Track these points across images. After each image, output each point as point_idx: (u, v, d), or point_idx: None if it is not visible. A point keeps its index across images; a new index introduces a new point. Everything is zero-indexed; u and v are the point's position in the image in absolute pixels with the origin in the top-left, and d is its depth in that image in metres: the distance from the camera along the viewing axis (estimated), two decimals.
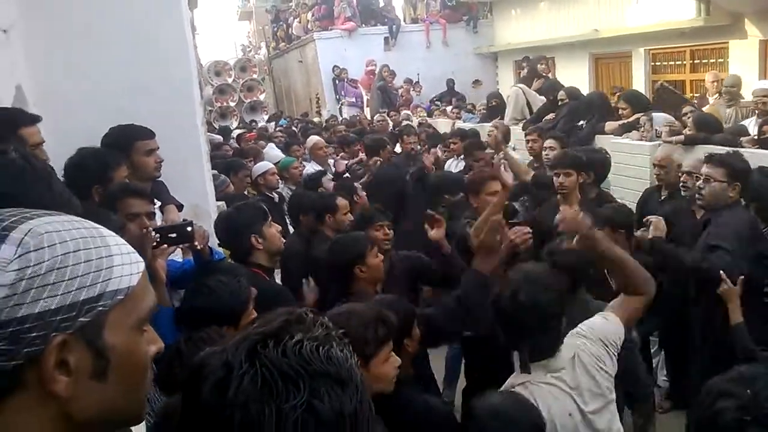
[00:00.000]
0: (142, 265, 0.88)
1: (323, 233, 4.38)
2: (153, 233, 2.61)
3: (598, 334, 2.41)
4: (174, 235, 2.72)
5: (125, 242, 0.88)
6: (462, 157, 7.03)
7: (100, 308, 0.80)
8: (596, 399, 2.34)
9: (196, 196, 3.88)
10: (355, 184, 5.83)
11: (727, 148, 5.30)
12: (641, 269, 2.57)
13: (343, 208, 4.47)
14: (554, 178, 4.62)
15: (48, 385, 0.78)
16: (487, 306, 2.52)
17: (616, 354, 2.42)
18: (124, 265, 0.84)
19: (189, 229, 2.75)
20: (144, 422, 1.10)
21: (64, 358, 0.78)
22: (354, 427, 0.82)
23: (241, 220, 3.14)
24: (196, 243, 2.83)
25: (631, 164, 6.38)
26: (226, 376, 0.81)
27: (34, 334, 0.75)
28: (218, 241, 3.32)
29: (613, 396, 2.41)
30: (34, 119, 2.60)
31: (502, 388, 2.35)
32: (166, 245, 2.69)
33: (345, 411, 0.81)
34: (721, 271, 3.50)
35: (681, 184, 4.59)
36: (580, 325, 2.46)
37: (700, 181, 3.89)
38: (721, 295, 3.53)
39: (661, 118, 6.55)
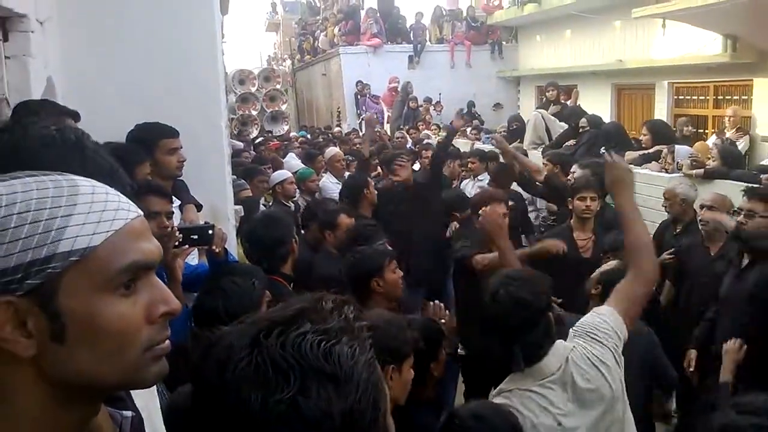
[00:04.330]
0: (118, 223, 0.85)
1: (326, 248, 4.26)
2: (177, 233, 2.63)
3: (590, 330, 2.34)
4: (196, 236, 2.75)
5: (109, 199, 0.86)
6: (479, 177, 7.08)
7: (49, 270, 0.79)
8: (595, 403, 2.27)
9: (216, 197, 3.91)
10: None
11: (747, 184, 5.29)
12: (649, 239, 2.60)
13: (345, 226, 4.25)
14: (577, 202, 4.56)
15: (4, 344, 0.79)
16: None
17: (618, 347, 2.33)
18: (86, 224, 0.82)
19: (210, 231, 2.78)
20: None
21: (23, 319, 0.79)
22: (349, 426, 0.79)
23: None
24: (215, 246, 2.85)
25: (648, 195, 6.36)
26: (227, 358, 0.81)
27: None
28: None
29: (621, 393, 2.32)
30: (74, 115, 2.66)
31: (492, 393, 2.33)
32: (187, 245, 2.72)
33: (334, 410, 0.78)
34: None
35: (700, 219, 4.57)
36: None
37: (741, 216, 3.90)
38: None
39: (684, 150, 6.54)
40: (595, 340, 2.31)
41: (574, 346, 2.31)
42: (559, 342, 2.32)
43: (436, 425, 2.53)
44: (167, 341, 0.90)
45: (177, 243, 2.65)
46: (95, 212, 0.83)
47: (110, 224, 0.84)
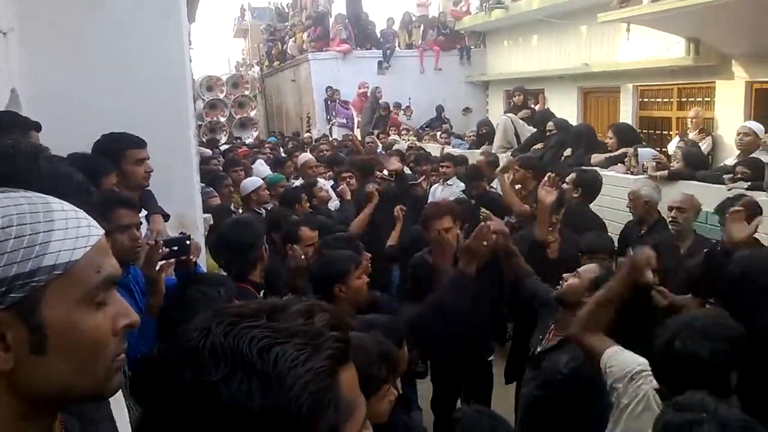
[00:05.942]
0: (93, 239, 0.88)
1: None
2: (163, 246, 2.61)
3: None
4: (176, 248, 2.73)
5: (80, 216, 0.89)
6: (448, 182, 7.14)
7: (34, 284, 0.81)
8: None
9: (185, 206, 3.89)
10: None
11: (711, 185, 5.40)
12: None
13: (307, 239, 4.07)
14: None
15: None
16: (467, 306, 2.62)
17: None
18: (66, 239, 0.84)
19: (188, 242, 2.77)
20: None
21: (3, 332, 0.80)
22: (273, 426, 0.78)
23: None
24: (192, 256, 2.83)
25: (614, 196, 6.46)
26: (179, 337, 0.84)
27: None
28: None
29: None
30: (37, 127, 2.63)
31: None
32: (172, 258, 2.69)
33: (252, 406, 0.76)
34: None
35: (669, 219, 4.67)
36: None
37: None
38: None
39: (647, 152, 6.66)
40: None
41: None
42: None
43: (408, 421, 2.55)
44: (123, 354, 0.93)
45: (162, 256, 2.62)
46: (72, 228, 0.86)
47: (86, 240, 0.87)
